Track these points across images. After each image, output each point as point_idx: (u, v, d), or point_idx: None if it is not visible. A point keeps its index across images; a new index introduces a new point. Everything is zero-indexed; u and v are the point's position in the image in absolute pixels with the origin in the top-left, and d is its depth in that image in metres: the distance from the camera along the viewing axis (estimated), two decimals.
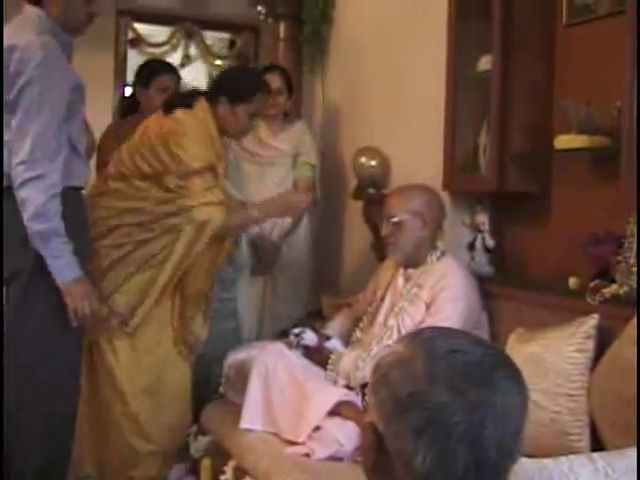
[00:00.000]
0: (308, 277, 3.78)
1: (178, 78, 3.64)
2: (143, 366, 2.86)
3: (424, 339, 0.96)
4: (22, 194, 2.35)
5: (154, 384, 2.87)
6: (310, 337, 2.79)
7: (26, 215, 2.35)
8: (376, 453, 0.95)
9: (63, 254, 2.41)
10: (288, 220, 3.60)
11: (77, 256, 2.45)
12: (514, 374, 0.94)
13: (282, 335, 3.01)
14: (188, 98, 2.96)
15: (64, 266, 2.42)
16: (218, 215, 2.78)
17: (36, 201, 2.34)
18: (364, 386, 2.51)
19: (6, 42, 2.38)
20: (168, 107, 2.93)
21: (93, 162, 3.47)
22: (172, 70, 3.64)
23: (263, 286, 3.69)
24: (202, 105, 2.92)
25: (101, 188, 2.93)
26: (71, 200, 2.50)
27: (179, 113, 2.88)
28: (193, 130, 2.84)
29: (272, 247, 3.61)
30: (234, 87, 2.96)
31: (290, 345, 2.75)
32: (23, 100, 2.36)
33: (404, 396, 0.91)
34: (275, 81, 3.65)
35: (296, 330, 2.81)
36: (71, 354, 2.58)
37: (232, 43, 6.00)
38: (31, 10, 2.47)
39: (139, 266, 2.82)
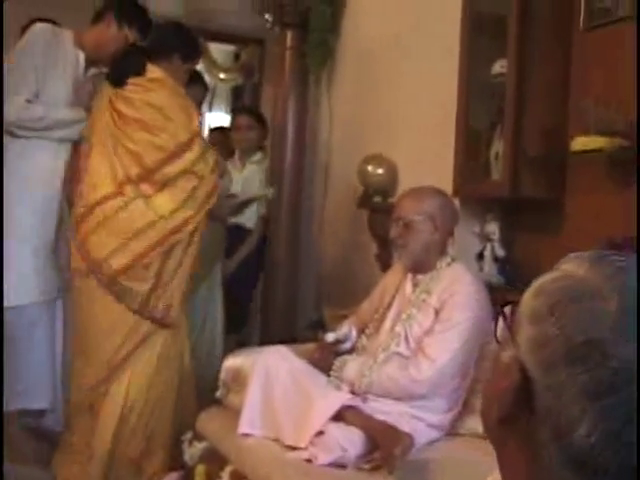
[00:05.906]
0: (309, 286, 3.69)
1: (206, 89, 3.69)
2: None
3: (617, 269, 0.70)
4: None
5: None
6: (353, 336, 2.73)
7: None
8: (514, 401, 0.71)
9: None
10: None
11: None
12: None
13: (287, 342, 2.92)
14: (134, 62, 2.94)
15: None
16: None
17: None
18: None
19: None
20: (118, 82, 2.93)
21: None
22: (200, 81, 3.64)
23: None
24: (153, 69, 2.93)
25: None
26: None
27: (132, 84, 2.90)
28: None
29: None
30: (186, 43, 3.00)
31: (325, 349, 2.69)
32: None
33: (581, 343, 0.66)
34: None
35: (331, 335, 2.71)
36: None
37: (237, 56, 5.98)
38: None
39: None
